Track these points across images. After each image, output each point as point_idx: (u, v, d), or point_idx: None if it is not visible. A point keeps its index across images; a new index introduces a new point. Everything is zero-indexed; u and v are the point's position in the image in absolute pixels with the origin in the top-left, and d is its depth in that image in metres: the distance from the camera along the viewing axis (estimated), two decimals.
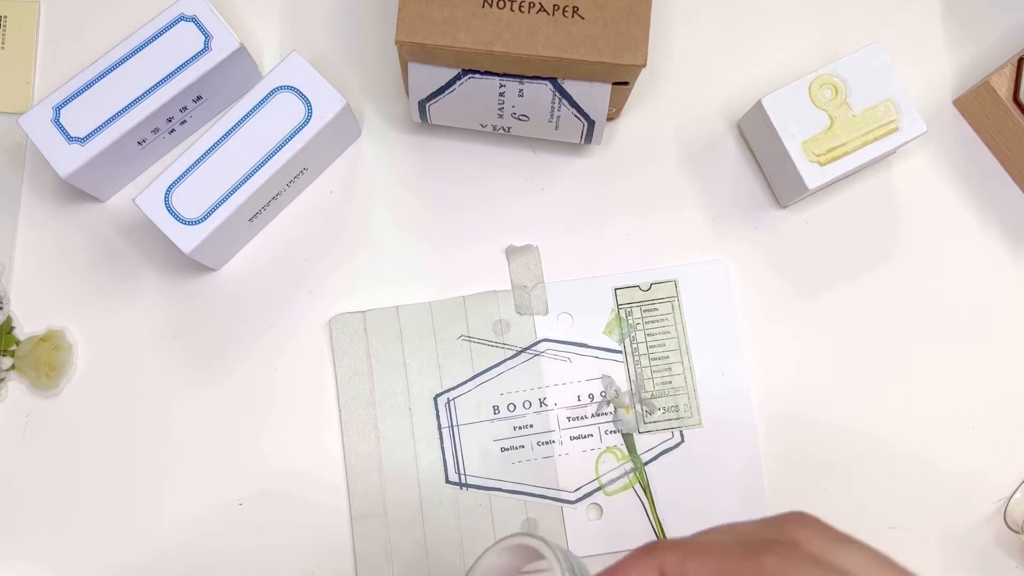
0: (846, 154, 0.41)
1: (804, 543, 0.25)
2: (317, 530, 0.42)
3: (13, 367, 0.43)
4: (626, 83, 0.39)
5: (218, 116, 0.44)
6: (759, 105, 0.41)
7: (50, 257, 0.44)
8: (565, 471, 0.42)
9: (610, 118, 0.44)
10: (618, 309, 0.43)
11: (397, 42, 0.36)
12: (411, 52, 0.37)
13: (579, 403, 0.43)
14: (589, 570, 0.28)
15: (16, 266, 0.44)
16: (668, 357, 0.43)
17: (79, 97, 0.40)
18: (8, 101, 0.45)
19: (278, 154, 0.40)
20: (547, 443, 0.42)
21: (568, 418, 0.43)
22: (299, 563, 0.42)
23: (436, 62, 0.38)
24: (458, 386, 0.43)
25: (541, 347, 0.43)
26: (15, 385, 0.43)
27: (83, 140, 0.40)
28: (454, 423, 0.43)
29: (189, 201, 0.40)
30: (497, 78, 0.38)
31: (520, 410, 0.43)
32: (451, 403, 0.43)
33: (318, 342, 0.43)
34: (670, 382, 0.43)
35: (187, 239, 0.40)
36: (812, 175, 0.41)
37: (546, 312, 0.43)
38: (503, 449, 0.42)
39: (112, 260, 0.44)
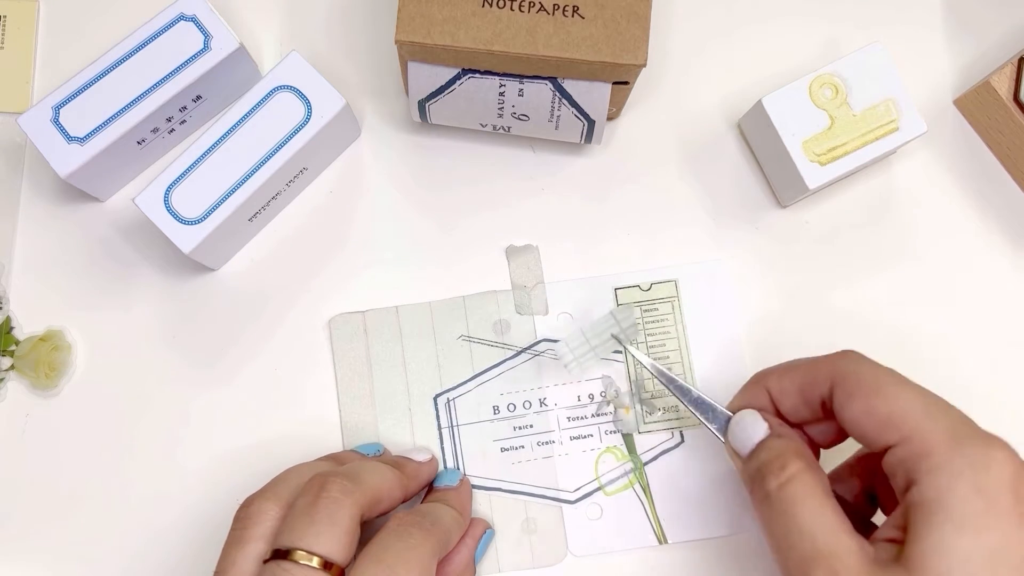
0: (846, 154, 0.41)
1: (863, 355, 0.33)
2: None
3: (12, 367, 0.43)
4: (626, 83, 0.39)
5: (218, 116, 0.44)
6: (759, 105, 0.41)
7: (50, 257, 0.44)
8: (565, 471, 0.42)
9: (610, 118, 0.44)
10: None
11: (397, 41, 0.36)
12: (411, 52, 0.37)
13: (579, 403, 0.43)
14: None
15: (15, 266, 0.44)
16: (668, 357, 0.43)
17: (79, 97, 0.40)
18: (7, 101, 0.45)
19: (278, 154, 0.40)
20: (547, 443, 0.42)
21: (568, 418, 0.43)
22: None
23: (436, 62, 0.38)
24: (458, 386, 0.43)
25: (541, 347, 0.43)
26: (15, 385, 0.43)
27: (83, 140, 0.40)
28: (454, 423, 0.43)
29: (189, 201, 0.40)
30: (497, 78, 0.38)
31: (520, 410, 0.43)
32: (451, 403, 0.43)
33: (318, 342, 0.43)
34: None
35: (187, 239, 0.40)
36: (812, 175, 0.41)
37: (546, 312, 0.43)
38: (503, 449, 0.42)
39: (112, 260, 0.44)
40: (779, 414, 0.36)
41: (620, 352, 0.43)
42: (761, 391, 0.36)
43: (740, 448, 0.35)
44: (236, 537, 0.33)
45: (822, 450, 0.37)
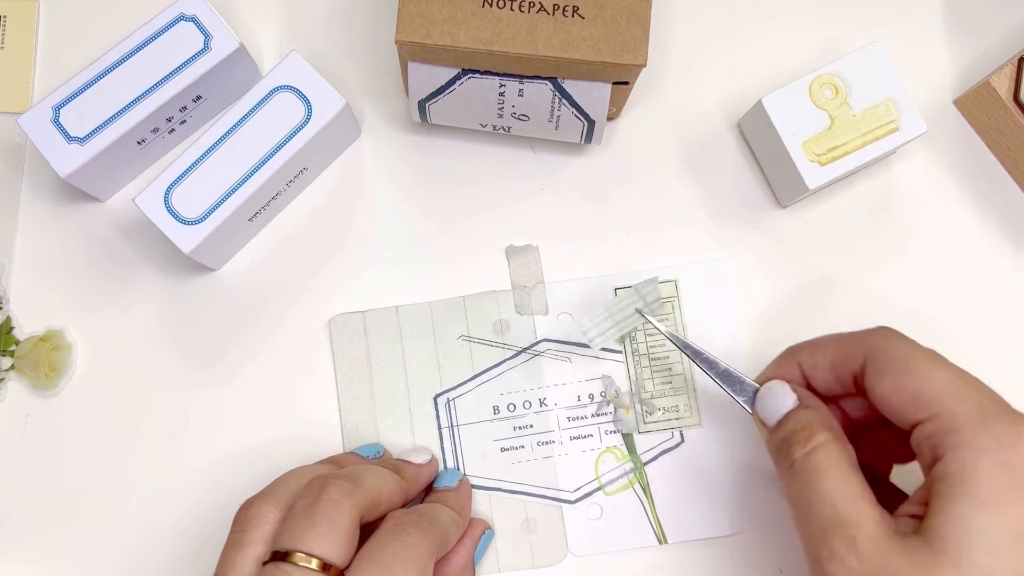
0: (846, 154, 0.41)
1: (896, 331, 0.34)
2: None
3: (13, 367, 0.43)
4: (626, 83, 0.39)
5: (218, 116, 0.44)
6: (759, 105, 0.41)
7: (50, 257, 0.44)
8: (565, 471, 0.42)
9: (610, 118, 0.44)
10: None
11: (397, 42, 0.36)
12: (411, 52, 0.37)
13: (579, 403, 0.43)
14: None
15: (16, 266, 0.44)
16: (668, 357, 0.43)
17: (79, 97, 0.40)
18: (8, 101, 0.45)
19: (278, 154, 0.40)
20: (547, 443, 0.42)
21: (568, 418, 0.43)
22: None
23: (436, 62, 0.38)
24: (458, 386, 0.43)
25: (541, 347, 0.43)
26: (15, 385, 0.43)
27: (83, 140, 0.40)
28: (454, 423, 0.43)
29: (189, 201, 0.40)
30: (497, 78, 0.38)
31: (520, 410, 0.43)
32: (451, 403, 0.43)
33: (318, 342, 0.43)
34: (670, 382, 0.43)
35: (187, 239, 0.40)
36: (812, 175, 0.41)
37: (546, 312, 0.43)
38: (503, 449, 0.42)
39: (112, 260, 0.44)
40: (810, 387, 0.36)
41: (620, 352, 0.43)
42: (792, 364, 0.36)
43: (768, 418, 0.35)
44: (235, 540, 0.33)
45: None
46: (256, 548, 0.33)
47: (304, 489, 0.34)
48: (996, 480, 0.28)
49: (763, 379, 0.37)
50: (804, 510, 0.31)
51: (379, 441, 0.42)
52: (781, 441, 0.34)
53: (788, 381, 0.36)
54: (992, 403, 0.30)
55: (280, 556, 0.32)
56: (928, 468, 0.30)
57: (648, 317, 0.40)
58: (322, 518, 0.32)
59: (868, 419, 0.36)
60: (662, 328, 0.39)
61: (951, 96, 0.46)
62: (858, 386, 0.34)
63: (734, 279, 0.44)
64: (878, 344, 0.33)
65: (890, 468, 0.37)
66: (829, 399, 0.36)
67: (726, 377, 0.37)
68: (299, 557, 0.31)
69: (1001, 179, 0.45)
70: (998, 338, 0.44)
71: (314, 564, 0.31)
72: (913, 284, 0.44)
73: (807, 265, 0.44)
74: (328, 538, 0.32)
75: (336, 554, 0.32)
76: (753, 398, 0.36)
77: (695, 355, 0.38)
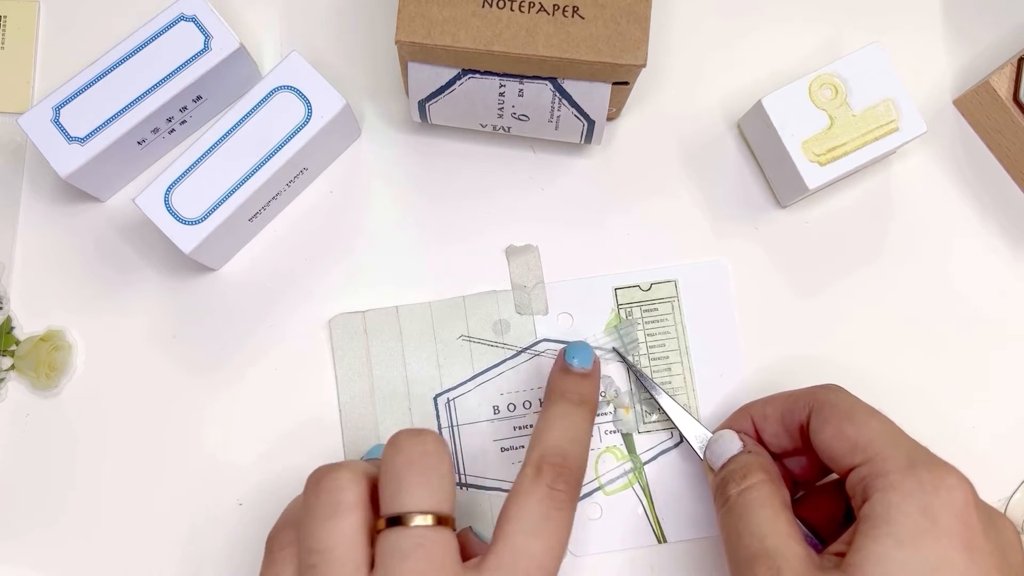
0: (846, 154, 0.41)
1: (842, 388, 0.36)
2: None
3: (13, 367, 0.43)
4: (626, 83, 0.39)
5: (218, 116, 0.44)
6: (759, 105, 0.41)
7: (50, 257, 0.44)
8: None
9: (610, 118, 0.44)
10: (618, 309, 0.43)
11: (397, 42, 0.36)
12: (411, 52, 0.37)
13: None
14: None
15: (16, 266, 0.44)
16: (668, 357, 0.43)
17: (79, 97, 0.40)
18: (8, 101, 0.45)
19: (278, 154, 0.40)
20: None
21: None
22: None
23: (436, 62, 0.38)
24: (458, 386, 0.43)
25: (541, 347, 0.43)
26: (15, 385, 0.43)
27: (83, 140, 0.40)
28: (454, 423, 0.43)
29: (189, 201, 0.40)
30: (497, 78, 0.38)
31: (520, 410, 0.43)
32: (451, 403, 0.43)
33: (318, 342, 0.43)
34: (670, 382, 0.43)
35: (187, 239, 0.40)
36: (812, 175, 0.41)
37: (546, 312, 0.43)
38: (503, 449, 0.42)
39: (112, 260, 0.44)
40: (760, 442, 0.38)
41: (621, 361, 0.43)
42: (745, 418, 0.39)
43: (714, 462, 0.38)
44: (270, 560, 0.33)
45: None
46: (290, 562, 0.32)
47: (388, 446, 0.32)
48: (916, 523, 0.30)
49: (718, 430, 0.39)
50: (735, 542, 0.33)
51: (380, 442, 0.42)
52: (721, 480, 0.36)
53: (739, 432, 0.38)
54: (922, 452, 0.32)
55: (393, 522, 0.30)
56: (858, 509, 0.32)
57: (624, 357, 0.43)
58: (421, 471, 0.31)
59: (808, 476, 0.38)
60: (634, 367, 0.42)
61: (951, 96, 0.46)
62: (803, 436, 0.36)
63: (734, 279, 0.44)
64: (824, 396, 0.35)
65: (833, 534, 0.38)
66: (774, 457, 0.38)
67: (685, 424, 0.40)
68: (414, 517, 0.30)
69: (1001, 179, 0.45)
70: (998, 338, 0.44)
71: (429, 520, 0.30)
72: (912, 284, 0.44)
73: (807, 265, 0.44)
74: (436, 489, 0.31)
75: (447, 506, 0.31)
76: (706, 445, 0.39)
77: (659, 396, 0.41)
